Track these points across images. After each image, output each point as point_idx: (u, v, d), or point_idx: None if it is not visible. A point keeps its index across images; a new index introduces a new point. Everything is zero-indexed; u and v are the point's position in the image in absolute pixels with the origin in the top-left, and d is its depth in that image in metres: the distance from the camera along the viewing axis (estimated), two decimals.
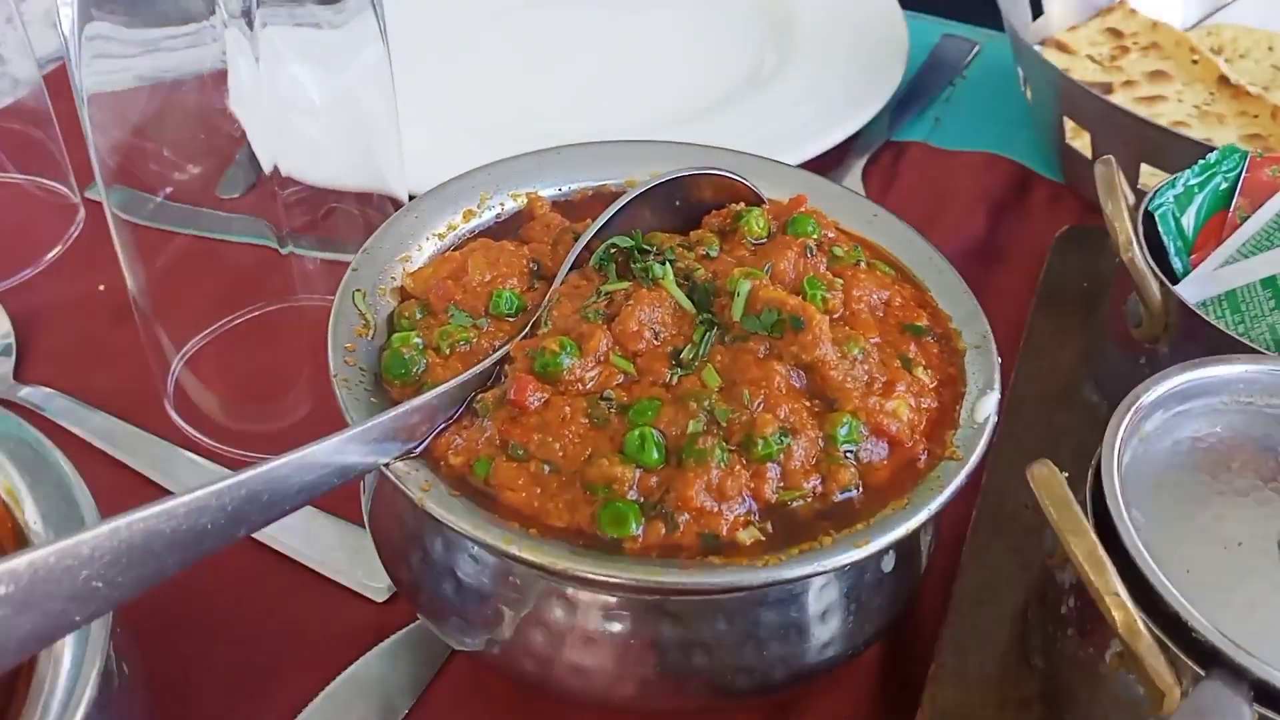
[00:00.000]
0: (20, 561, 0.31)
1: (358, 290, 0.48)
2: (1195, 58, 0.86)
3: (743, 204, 0.53)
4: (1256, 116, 0.81)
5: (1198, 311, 0.53)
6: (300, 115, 0.59)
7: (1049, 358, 0.63)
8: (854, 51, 0.87)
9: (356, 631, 0.51)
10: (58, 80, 0.72)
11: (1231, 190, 0.60)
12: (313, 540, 0.54)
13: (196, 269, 0.64)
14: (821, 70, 0.85)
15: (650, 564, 0.38)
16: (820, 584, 0.43)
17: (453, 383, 0.43)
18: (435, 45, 0.88)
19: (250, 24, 0.52)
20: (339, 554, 0.54)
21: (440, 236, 0.52)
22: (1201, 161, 0.61)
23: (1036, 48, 0.83)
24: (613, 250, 0.49)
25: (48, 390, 0.61)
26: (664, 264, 0.48)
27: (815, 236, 0.51)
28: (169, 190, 0.62)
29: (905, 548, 0.46)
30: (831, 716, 0.49)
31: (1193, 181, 0.60)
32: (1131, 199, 0.58)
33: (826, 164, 0.78)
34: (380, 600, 0.53)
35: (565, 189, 0.56)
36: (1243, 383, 0.48)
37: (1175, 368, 0.47)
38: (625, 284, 0.47)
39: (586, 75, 0.87)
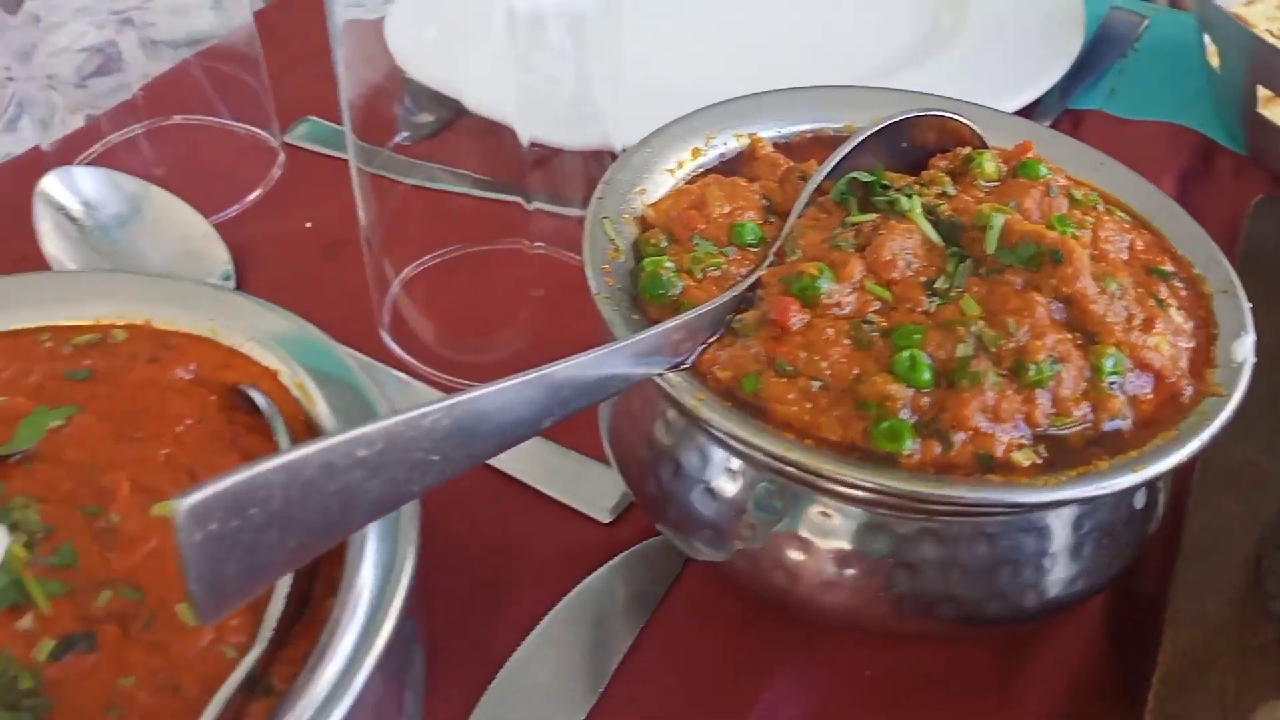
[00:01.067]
0: (376, 429, 0.32)
1: (605, 217, 0.49)
2: None
3: (968, 148, 0.54)
4: None
5: None
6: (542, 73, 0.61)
7: (1259, 320, 0.62)
8: (1030, 20, 0.86)
9: (585, 550, 0.53)
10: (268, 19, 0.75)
11: None
12: (539, 465, 0.55)
13: (426, 207, 0.66)
14: (997, 38, 0.85)
15: (932, 478, 0.39)
16: (1077, 515, 0.43)
17: (714, 303, 0.44)
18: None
19: None
20: (564, 479, 0.55)
21: (671, 172, 0.53)
22: None
23: (1234, 10, 0.82)
24: (853, 184, 0.50)
25: None
26: (910, 197, 0.48)
27: (1047, 179, 0.51)
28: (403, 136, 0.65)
29: (1152, 488, 0.46)
30: (1063, 655, 0.49)
31: None
32: None
33: None
34: (606, 521, 0.54)
35: (784, 131, 0.57)
36: None
37: None
38: (872, 216, 0.48)
39: (762, 37, 0.87)
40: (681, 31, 0.87)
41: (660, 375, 0.42)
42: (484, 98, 0.69)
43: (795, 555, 0.43)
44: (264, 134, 0.76)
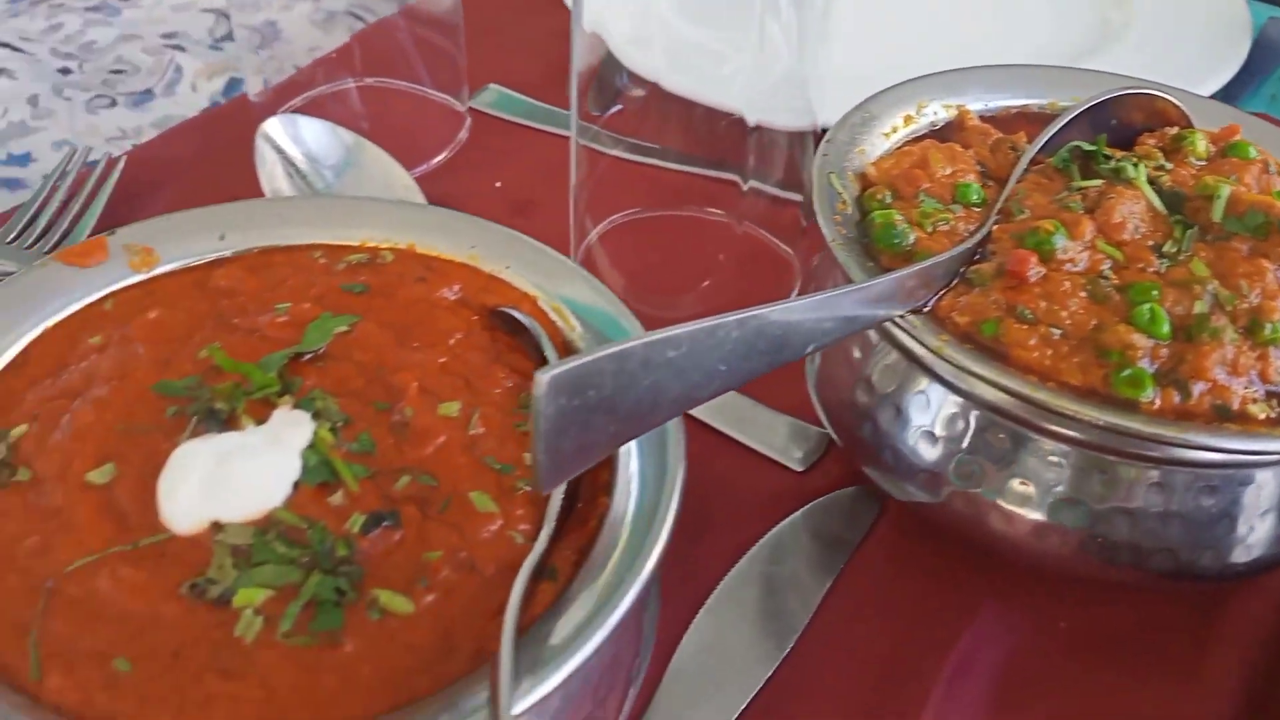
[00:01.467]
0: (684, 332, 0.35)
1: (832, 172, 0.51)
2: None
3: (1176, 128, 0.55)
4: None
5: None
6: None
7: None
8: (1193, 23, 0.87)
9: (779, 495, 0.55)
10: None
11: None
12: (736, 416, 0.58)
13: (630, 174, 0.69)
14: (1162, 40, 0.86)
15: (1175, 423, 0.41)
16: None
17: (951, 253, 0.46)
18: None
19: None
20: (759, 430, 0.57)
21: (886, 135, 0.55)
22: None
23: None
24: (1075, 153, 0.52)
25: None
26: (1136, 166, 0.50)
27: (1255, 158, 0.52)
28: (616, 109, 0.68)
29: None
30: (1256, 618, 0.50)
31: None
32: None
33: None
34: (799, 470, 0.56)
35: (990, 105, 0.59)
36: None
37: None
38: (1097, 182, 0.49)
39: (931, 28, 0.89)
40: (861, 18, 0.89)
41: (902, 317, 0.44)
42: (691, 81, 0.71)
43: (1016, 499, 0.45)
44: (453, 99, 0.79)
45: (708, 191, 0.69)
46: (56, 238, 0.67)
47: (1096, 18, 0.89)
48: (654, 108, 0.73)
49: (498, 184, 0.74)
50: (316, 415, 0.39)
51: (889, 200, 0.51)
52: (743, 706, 0.47)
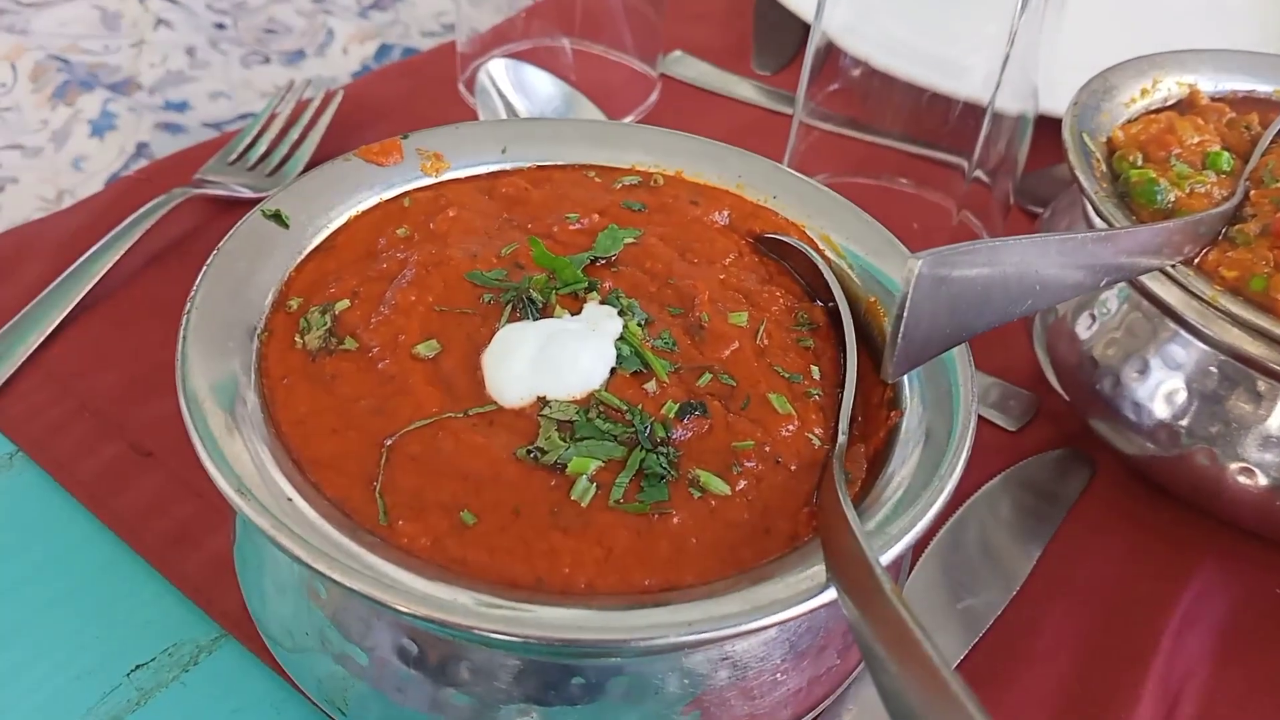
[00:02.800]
0: (1017, 241, 0.36)
1: (1084, 131, 0.53)
2: None
3: None
4: None
5: None
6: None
7: None
8: None
9: (994, 452, 0.56)
10: None
11: None
12: None
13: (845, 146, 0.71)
14: None
15: None
16: None
17: (1214, 211, 0.47)
18: None
19: None
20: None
21: (1125, 105, 0.56)
22: None
23: None
24: None
25: None
26: None
27: None
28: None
29: None
30: None
31: None
32: None
33: None
34: (1013, 430, 0.57)
35: (1220, 86, 0.60)
36: None
37: None
38: None
39: (1137, 23, 0.89)
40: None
41: (1174, 266, 0.45)
42: (915, 65, 0.72)
43: (1257, 458, 0.46)
44: (648, 66, 0.81)
45: (925, 173, 0.70)
46: (276, 162, 0.70)
47: None
48: (873, 88, 0.74)
49: None
50: (622, 313, 0.41)
51: (1140, 162, 0.52)
52: (974, 642, 0.48)
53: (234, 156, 0.69)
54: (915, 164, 0.72)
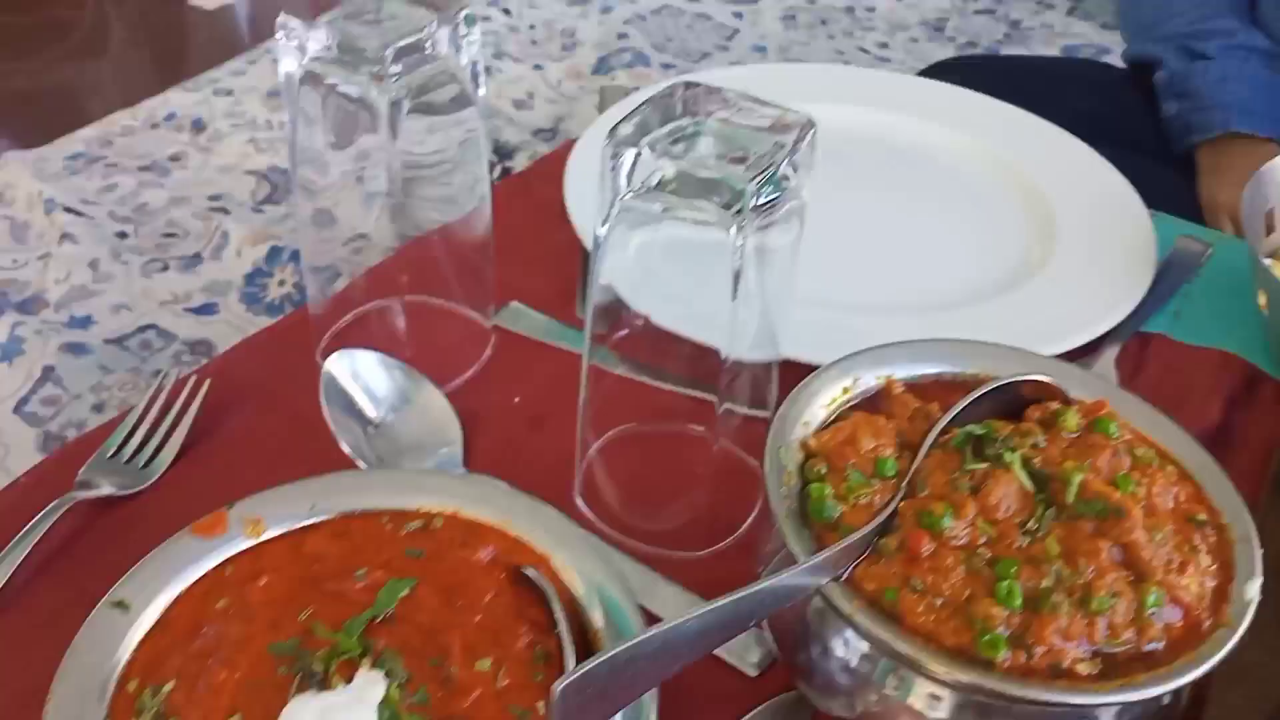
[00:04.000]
0: (658, 631, 0.49)
1: (780, 447, 0.66)
2: None
3: (1057, 403, 0.70)
4: None
5: None
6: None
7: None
8: (1109, 253, 1.02)
9: (734, 696, 0.69)
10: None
11: None
12: None
13: (628, 391, 0.83)
14: (1081, 269, 1.01)
15: (1018, 681, 0.55)
16: (1118, 712, 0.58)
17: (868, 529, 0.60)
18: None
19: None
20: None
21: (826, 407, 0.70)
22: None
23: (1267, 262, 0.98)
24: (969, 436, 0.67)
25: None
26: (1012, 452, 0.64)
27: (1117, 437, 0.67)
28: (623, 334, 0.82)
29: (1176, 694, 0.61)
30: None
31: None
32: None
33: (1084, 350, 0.93)
34: (753, 675, 0.70)
35: (914, 373, 0.73)
36: None
37: None
38: (983, 465, 0.64)
39: (863, 259, 1.04)
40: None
41: (824, 585, 0.59)
42: (683, 320, 0.85)
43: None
44: (481, 316, 0.94)
45: (690, 410, 0.84)
46: (148, 456, 0.81)
47: (1020, 252, 1.05)
48: (649, 336, 0.87)
49: (516, 399, 0.89)
50: (388, 674, 0.54)
51: (824, 472, 0.65)
52: None
53: (110, 453, 0.81)
54: (703, 408, 0.86)
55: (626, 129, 0.65)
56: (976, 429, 0.67)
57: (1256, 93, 1.33)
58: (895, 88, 1.31)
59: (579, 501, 0.81)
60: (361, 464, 0.77)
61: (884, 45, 2.62)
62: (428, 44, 0.78)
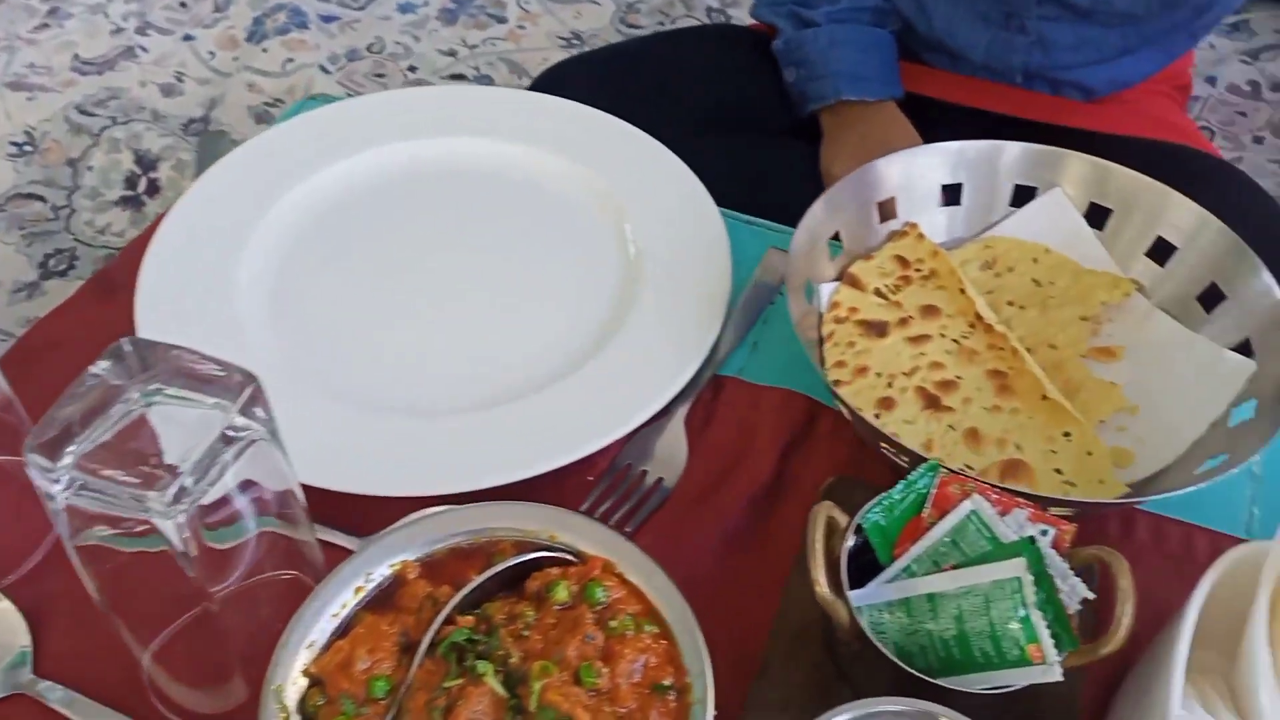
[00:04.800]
0: None
1: (277, 686, 0.70)
2: (962, 287, 1.05)
3: (556, 569, 0.75)
4: (1002, 350, 1.01)
5: (872, 637, 0.75)
6: None
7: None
8: (688, 296, 1.05)
9: None
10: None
11: (923, 500, 0.82)
12: None
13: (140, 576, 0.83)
14: (659, 322, 1.03)
15: None
16: None
17: None
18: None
19: None
20: None
21: (336, 616, 0.74)
22: (904, 482, 0.82)
23: (833, 285, 1.03)
24: (453, 645, 0.71)
25: (52, 684, 0.82)
26: (486, 660, 0.69)
27: (603, 600, 0.72)
28: None
29: None
30: None
31: (897, 497, 0.82)
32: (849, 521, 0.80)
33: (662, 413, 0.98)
34: None
35: (428, 551, 0.77)
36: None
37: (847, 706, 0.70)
38: (459, 681, 0.69)
39: (426, 340, 1.03)
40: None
41: None
42: None
43: None
44: None
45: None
46: None
47: (609, 304, 1.06)
48: None
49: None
50: None
51: (321, 702, 0.69)
52: None
53: None
54: None
55: (50, 431, 0.64)
56: (460, 635, 0.72)
57: (865, 55, 1.35)
58: (479, 107, 1.24)
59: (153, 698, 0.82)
60: None
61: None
62: None
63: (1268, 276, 0.95)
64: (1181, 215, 1.02)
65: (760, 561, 0.91)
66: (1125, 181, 1.04)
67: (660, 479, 0.95)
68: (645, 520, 0.93)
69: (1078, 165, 1.05)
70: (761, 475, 0.96)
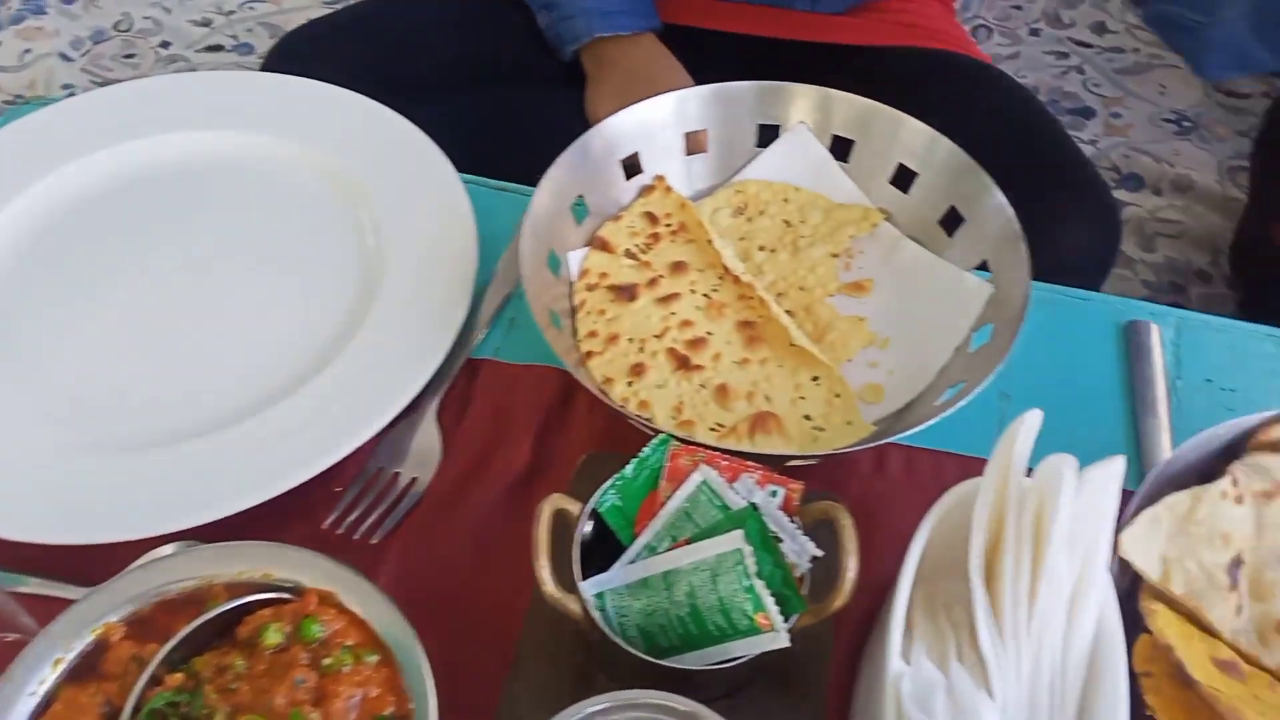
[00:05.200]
0: None
1: None
2: (710, 238, 1.02)
3: (269, 610, 0.71)
4: (751, 300, 0.99)
5: (602, 625, 0.74)
6: None
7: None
8: (429, 284, 0.99)
9: None
10: None
11: (657, 475, 0.80)
12: None
13: None
14: (401, 320, 0.97)
15: None
16: None
17: None
18: None
19: None
20: None
21: (34, 695, 0.69)
22: (636, 459, 0.80)
23: (583, 252, 1.00)
24: (153, 709, 0.68)
25: None
26: None
27: (320, 635, 0.69)
28: None
29: None
30: None
31: (630, 475, 0.80)
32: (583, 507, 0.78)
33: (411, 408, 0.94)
34: None
35: (132, 610, 0.73)
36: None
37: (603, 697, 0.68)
38: None
39: (143, 362, 0.96)
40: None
41: None
42: None
43: None
44: None
45: None
46: None
47: (348, 302, 1.00)
48: None
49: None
50: None
51: None
52: None
53: None
54: None
55: None
56: (159, 700, 0.68)
57: None
58: (198, 96, 1.13)
59: None
60: None
61: None
62: None
63: (999, 195, 0.95)
64: (915, 138, 1.00)
65: (516, 553, 0.88)
66: (855, 108, 1.02)
67: (414, 479, 0.92)
68: (397, 526, 0.90)
69: (807, 97, 1.03)
70: (518, 461, 0.93)
